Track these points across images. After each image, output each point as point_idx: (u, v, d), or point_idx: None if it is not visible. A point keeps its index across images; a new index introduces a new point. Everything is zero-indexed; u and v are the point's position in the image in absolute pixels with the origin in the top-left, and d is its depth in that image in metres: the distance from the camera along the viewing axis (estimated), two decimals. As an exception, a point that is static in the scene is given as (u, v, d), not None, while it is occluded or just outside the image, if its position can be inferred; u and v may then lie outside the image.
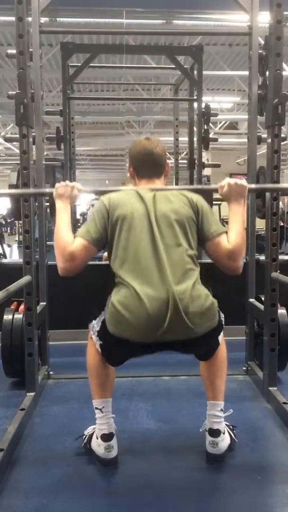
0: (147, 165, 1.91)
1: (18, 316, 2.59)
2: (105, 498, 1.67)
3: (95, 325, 1.83)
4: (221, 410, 1.87)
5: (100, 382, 1.85)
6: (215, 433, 1.84)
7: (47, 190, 2.03)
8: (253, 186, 2.07)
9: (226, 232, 1.79)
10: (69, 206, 1.86)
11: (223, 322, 1.84)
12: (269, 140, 2.33)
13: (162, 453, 1.94)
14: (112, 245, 1.75)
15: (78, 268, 1.73)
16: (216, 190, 1.92)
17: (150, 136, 1.95)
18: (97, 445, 1.84)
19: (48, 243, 2.72)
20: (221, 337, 1.87)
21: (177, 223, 1.73)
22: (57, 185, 1.87)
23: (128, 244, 1.71)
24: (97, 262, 4.42)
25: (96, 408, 1.85)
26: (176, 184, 4.89)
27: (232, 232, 1.78)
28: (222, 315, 1.85)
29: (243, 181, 1.87)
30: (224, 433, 1.86)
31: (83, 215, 11.10)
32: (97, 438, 1.84)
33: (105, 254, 4.87)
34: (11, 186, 2.46)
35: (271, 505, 1.64)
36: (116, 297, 1.68)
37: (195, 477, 1.78)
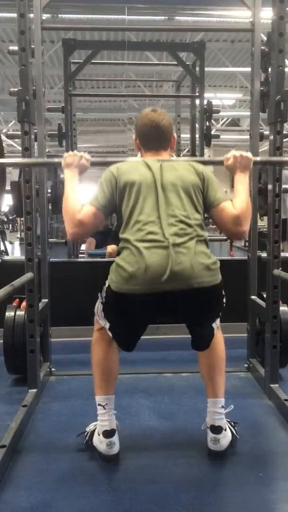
0: (153, 138, 1.92)
1: (20, 313, 2.59)
2: (107, 494, 1.68)
3: (99, 302, 1.85)
4: (222, 407, 1.87)
5: (103, 378, 1.85)
6: (217, 430, 1.85)
7: (56, 160, 2.03)
8: (258, 158, 2.05)
9: (231, 200, 1.80)
10: (78, 175, 1.87)
11: (224, 299, 1.82)
12: (271, 137, 2.33)
13: (164, 450, 1.95)
14: (121, 211, 1.77)
15: (86, 233, 1.81)
16: (221, 163, 1.92)
17: (156, 108, 1.99)
18: (99, 442, 1.84)
19: (50, 240, 2.73)
20: (217, 327, 1.87)
21: (182, 189, 1.76)
22: (65, 154, 1.90)
23: (134, 208, 1.74)
24: (99, 260, 4.43)
25: (99, 405, 1.85)
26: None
27: (237, 198, 1.79)
28: (224, 299, 1.84)
29: (248, 153, 1.88)
30: (225, 430, 1.87)
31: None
32: (99, 435, 1.84)
33: (109, 250, 4.89)
34: (13, 183, 2.46)
35: (272, 501, 1.65)
36: (118, 259, 1.72)
37: (197, 473, 1.79)
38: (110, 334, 1.82)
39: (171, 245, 1.64)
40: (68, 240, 1.57)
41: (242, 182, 1.84)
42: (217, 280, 1.73)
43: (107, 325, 1.82)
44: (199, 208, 1.78)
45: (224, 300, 1.84)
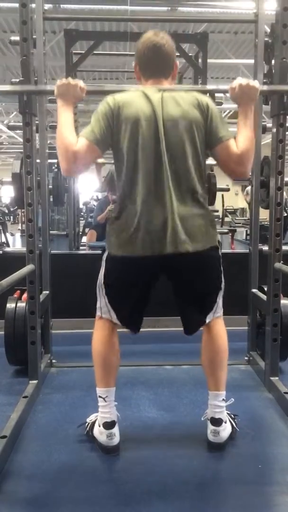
0: (154, 63, 1.79)
1: (21, 304, 2.59)
2: (107, 485, 1.69)
3: (99, 279, 1.84)
4: (223, 399, 1.88)
5: (105, 370, 1.85)
6: (217, 422, 1.85)
7: (48, 87, 1.90)
8: (265, 87, 2.01)
9: (235, 137, 1.74)
10: (72, 106, 1.78)
11: (220, 244, 1.83)
12: (274, 130, 2.31)
13: (164, 441, 1.96)
14: (118, 148, 1.71)
15: (81, 169, 1.71)
16: (226, 91, 1.83)
17: (159, 32, 1.81)
18: (99, 433, 1.85)
19: (51, 232, 2.72)
20: (219, 317, 1.87)
21: (185, 130, 1.68)
22: (58, 82, 1.77)
23: (132, 150, 1.68)
24: (100, 252, 4.43)
25: (100, 397, 1.86)
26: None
27: (241, 136, 1.72)
28: (222, 279, 1.84)
29: (255, 82, 1.78)
30: (225, 422, 1.87)
31: (86, 204, 11.07)
32: (100, 426, 1.85)
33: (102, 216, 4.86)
34: (14, 175, 2.46)
35: (272, 493, 1.66)
36: (117, 223, 1.71)
37: (197, 465, 1.80)
38: (111, 310, 1.80)
39: (171, 210, 1.64)
40: (64, 173, 1.49)
41: (247, 115, 1.75)
42: (214, 243, 1.75)
43: (106, 299, 1.81)
44: (200, 152, 1.72)
45: (223, 283, 1.84)
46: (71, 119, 1.74)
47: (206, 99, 1.77)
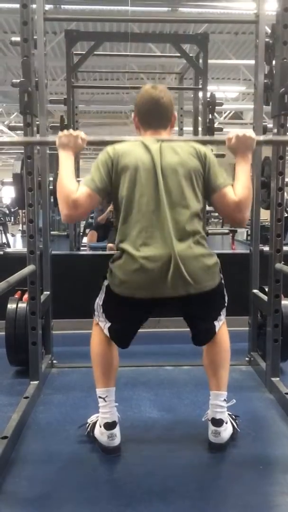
0: (153, 116, 1.83)
1: (22, 305, 2.60)
2: (108, 485, 1.69)
3: (98, 299, 1.84)
4: (224, 400, 1.88)
5: (103, 370, 1.85)
6: (218, 422, 1.85)
7: (50, 138, 1.95)
8: (261, 138, 2.05)
9: (232, 185, 1.76)
10: (73, 156, 1.81)
11: (222, 281, 1.82)
12: (275, 130, 2.31)
13: (165, 442, 1.96)
14: (117, 196, 1.74)
15: (81, 215, 1.75)
16: (224, 143, 1.86)
17: (157, 85, 1.89)
18: (100, 434, 1.85)
19: (52, 232, 2.72)
20: (223, 322, 1.87)
21: (184, 177, 1.71)
22: (60, 133, 1.81)
23: (132, 197, 1.70)
24: (101, 252, 4.43)
25: (100, 397, 1.86)
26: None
27: (238, 184, 1.75)
28: (225, 294, 1.84)
29: (251, 133, 1.81)
30: (226, 423, 1.87)
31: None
32: (100, 427, 1.85)
33: (110, 244, 4.88)
34: (15, 175, 2.46)
35: (273, 494, 1.65)
36: (118, 262, 1.70)
37: (197, 465, 1.80)
38: (108, 334, 1.82)
39: (172, 253, 1.63)
40: (63, 220, 1.53)
41: (244, 165, 1.79)
42: (216, 283, 1.74)
43: (107, 325, 1.82)
44: (200, 196, 1.75)
45: (226, 299, 1.84)
46: (72, 168, 1.77)
47: (203, 148, 1.80)
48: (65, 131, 1.82)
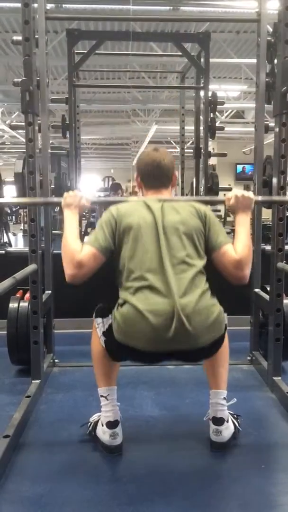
0: (155, 177, 1.90)
1: (24, 304, 2.60)
2: (110, 484, 1.69)
3: (101, 325, 1.83)
4: (224, 398, 1.88)
5: (104, 370, 1.86)
6: (219, 421, 1.85)
7: (55, 199, 2.05)
8: (259, 198, 2.12)
9: (232, 243, 1.79)
10: (77, 216, 1.87)
11: (226, 326, 1.83)
12: (277, 129, 2.31)
13: (167, 441, 1.96)
14: (120, 255, 1.75)
15: (85, 276, 1.73)
16: (223, 202, 1.93)
17: (158, 147, 2.00)
18: (102, 432, 1.85)
19: (53, 231, 2.72)
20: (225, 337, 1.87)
21: (185, 235, 1.74)
22: (65, 194, 1.88)
23: (134, 255, 1.71)
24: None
25: (102, 396, 1.86)
26: (182, 174, 4.87)
27: (239, 242, 1.78)
28: (226, 319, 1.84)
29: (250, 193, 1.87)
30: (227, 421, 1.87)
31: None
32: (102, 425, 1.85)
33: None
34: (16, 174, 2.46)
35: (275, 493, 1.65)
36: (122, 311, 1.69)
37: (199, 465, 1.80)
38: (103, 345, 1.82)
39: (175, 309, 1.61)
40: (68, 280, 1.60)
41: (244, 223, 1.84)
42: (220, 334, 1.74)
43: (103, 339, 1.82)
44: (202, 253, 1.76)
45: (226, 321, 1.84)
46: (77, 228, 1.82)
47: (204, 207, 1.84)
48: (70, 192, 1.90)
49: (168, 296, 1.64)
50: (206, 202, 1.99)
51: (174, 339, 1.62)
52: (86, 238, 1.77)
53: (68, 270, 1.71)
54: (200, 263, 1.74)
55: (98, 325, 1.85)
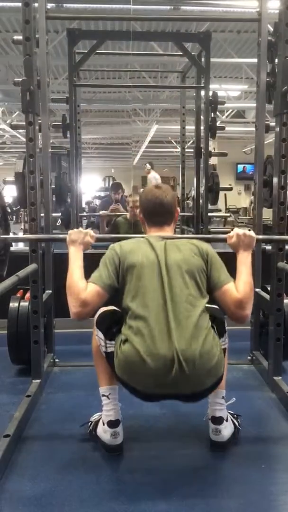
0: (157, 214, 1.93)
1: (24, 304, 2.60)
2: (110, 484, 1.69)
3: (102, 342, 1.83)
4: (223, 397, 1.88)
5: (106, 370, 1.86)
6: (218, 420, 1.86)
7: (61, 236, 2.08)
8: (260, 237, 2.18)
9: (234, 281, 1.79)
10: (82, 252, 1.89)
11: (225, 365, 1.83)
12: (277, 129, 2.31)
13: (167, 441, 1.96)
14: (123, 292, 1.75)
15: (90, 313, 1.75)
16: (224, 240, 1.95)
17: (161, 185, 2.02)
18: (103, 432, 1.85)
19: (54, 231, 2.72)
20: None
21: (187, 273, 1.74)
22: (70, 231, 1.92)
23: (137, 294, 1.71)
24: (103, 251, 4.42)
25: (103, 395, 1.86)
26: (182, 173, 4.88)
27: (240, 281, 1.78)
28: (226, 342, 1.86)
29: (251, 232, 1.90)
30: (227, 421, 1.88)
31: (88, 203, 11.07)
32: (104, 425, 1.85)
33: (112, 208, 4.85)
34: (17, 174, 2.46)
35: (275, 492, 1.65)
36: (123, 350, 1.68)
37: (199, 464, 1.80)
38: (104, 356, 1.83)
39: (175, 354, 1.60)
40: (72, 317, 1.62)
41: (245, 262, 1.85)
42: (220, 374, 1.73)
43: (103, 348, 1.82)
44: (204, 292, 1.76)
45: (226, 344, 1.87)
46: (81, 265, 1.83)
47: (205, 246, 1.86)
48: (75, 230, 1.94)
49: (168, 341, 1.62)
50: (208, 240, 2.03)
51: (174, 384, 1.62)
52: (91, 277, 1.77)
53: (74, 309, 1.72)
54: (203, 302, 1.74)
55: (99, 340, 1.84)
